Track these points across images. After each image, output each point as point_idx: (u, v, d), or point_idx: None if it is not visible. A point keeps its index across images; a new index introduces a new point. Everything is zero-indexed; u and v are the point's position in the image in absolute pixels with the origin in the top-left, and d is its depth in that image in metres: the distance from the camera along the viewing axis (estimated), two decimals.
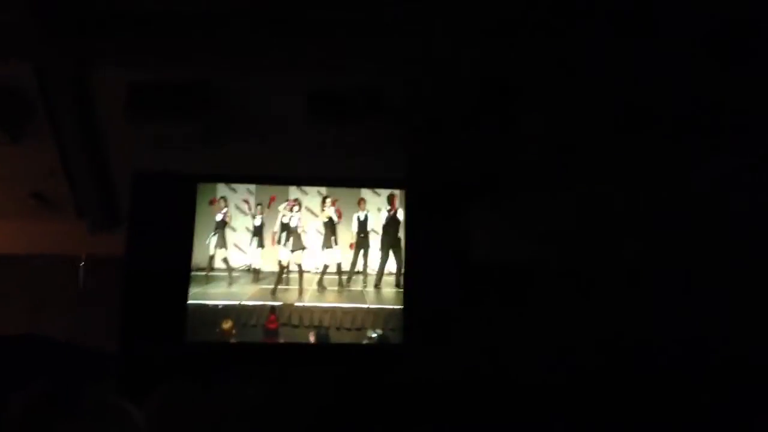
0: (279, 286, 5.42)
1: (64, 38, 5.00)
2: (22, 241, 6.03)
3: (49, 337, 5.27)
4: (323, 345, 5.30)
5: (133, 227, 5.43)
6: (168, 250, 5.37)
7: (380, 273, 5.48)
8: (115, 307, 5.34)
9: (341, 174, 5.64)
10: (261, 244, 5.50)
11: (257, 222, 5.52)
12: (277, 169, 5.64)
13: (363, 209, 5.59)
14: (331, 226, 5.54)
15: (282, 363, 5.19)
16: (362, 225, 5.57)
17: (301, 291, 5.43)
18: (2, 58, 5.16)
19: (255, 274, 5.47)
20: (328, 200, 5.56)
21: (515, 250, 4.71)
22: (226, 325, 5.31)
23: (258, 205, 5.55)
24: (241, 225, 5.53)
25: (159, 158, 5.70)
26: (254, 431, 3.29)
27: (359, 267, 5.51)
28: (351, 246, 5.52)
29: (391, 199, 5.58)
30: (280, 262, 5.47)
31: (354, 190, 5.59)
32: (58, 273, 6.05)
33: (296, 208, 5.55)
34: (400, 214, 5.56)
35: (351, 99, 5.34)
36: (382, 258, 5.50)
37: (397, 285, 5.47)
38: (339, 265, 5.52)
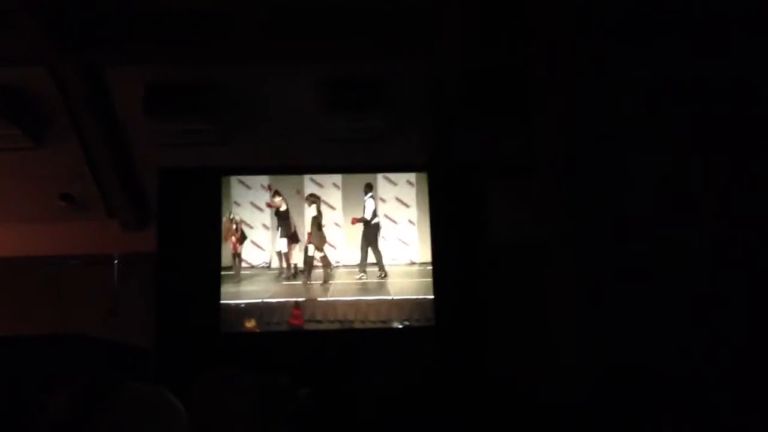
0: (297, 281, 5.41)
1: (78, 42, 5.06)
2: (55, 242, 6.16)
3: (87, 334, 5.39)
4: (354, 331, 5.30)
5: (163, 223, 5.51)
6: (198, 243, 5.44)
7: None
8: (149, 303, 5.44)
9: (360, 161, 5.63)
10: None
11: (282, 207, 5.48)
12: (295, 159, 5.65)
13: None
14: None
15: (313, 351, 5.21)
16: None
17: (326, 279, 5.38)
18: (20, 64, 5.26)
19: (279, 270, 5.45)
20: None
21: (537, 230, 4.68)
22: (249, 323, 5.28)
23: (276, 194, 5.50)
24: (258, 222, 5.51)
25: (181, 154, 5.78)
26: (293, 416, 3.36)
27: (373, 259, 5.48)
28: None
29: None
30: (306, 255, 5.45)
31: (369, 179, 5.56)
32: (92, 272, 6.17)
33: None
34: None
35: (366, 87, 5.35)
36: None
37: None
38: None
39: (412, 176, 5.53)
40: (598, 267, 4.04)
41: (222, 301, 5.34)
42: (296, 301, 5.32)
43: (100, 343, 5.49)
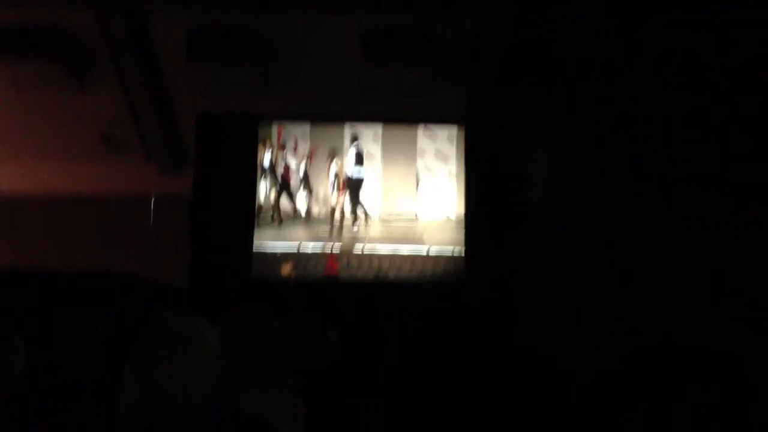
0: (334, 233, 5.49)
1: None
2: (94, 182, 6.26)
3: (123, 271, 5.52)
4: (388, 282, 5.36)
5: (199, 167, 5.57)
6: (233, 187, 5.50)
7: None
8: (185, 245, 5.53)
9: (397, 113, 5.63)
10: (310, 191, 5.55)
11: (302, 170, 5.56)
12: (333, 109, 5.66)
13: None
14: None
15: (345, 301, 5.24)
16: None
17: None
18: (66, 6, 5.29)
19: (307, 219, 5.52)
20: None
21: (571, 193, 4.64)
22: (285, 270, 5.35)
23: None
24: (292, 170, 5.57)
25: (221, 100, 5.80)
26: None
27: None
28: None
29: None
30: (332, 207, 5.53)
31: (409, 132, 5.54)
32: (129, 212, 6.28)
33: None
34: None
35: (407, 39, 5.28)
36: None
37: None
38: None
39: (453, 130, 5.49)
40: (632, 237, 3.98)
41: (255, 247, 5.40)
42: (332, 251, 5.37)
43: (138, 280, 5.64)
